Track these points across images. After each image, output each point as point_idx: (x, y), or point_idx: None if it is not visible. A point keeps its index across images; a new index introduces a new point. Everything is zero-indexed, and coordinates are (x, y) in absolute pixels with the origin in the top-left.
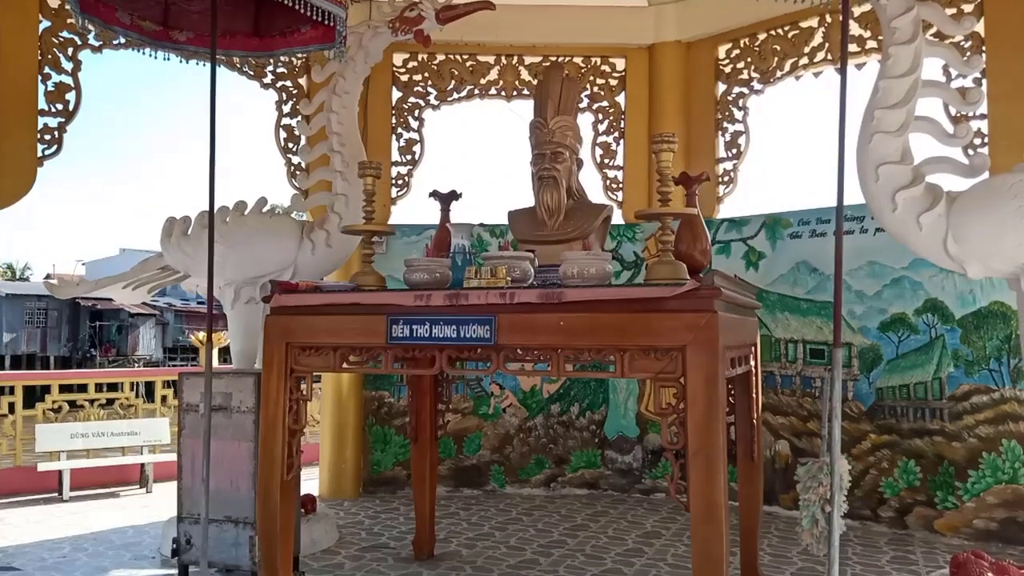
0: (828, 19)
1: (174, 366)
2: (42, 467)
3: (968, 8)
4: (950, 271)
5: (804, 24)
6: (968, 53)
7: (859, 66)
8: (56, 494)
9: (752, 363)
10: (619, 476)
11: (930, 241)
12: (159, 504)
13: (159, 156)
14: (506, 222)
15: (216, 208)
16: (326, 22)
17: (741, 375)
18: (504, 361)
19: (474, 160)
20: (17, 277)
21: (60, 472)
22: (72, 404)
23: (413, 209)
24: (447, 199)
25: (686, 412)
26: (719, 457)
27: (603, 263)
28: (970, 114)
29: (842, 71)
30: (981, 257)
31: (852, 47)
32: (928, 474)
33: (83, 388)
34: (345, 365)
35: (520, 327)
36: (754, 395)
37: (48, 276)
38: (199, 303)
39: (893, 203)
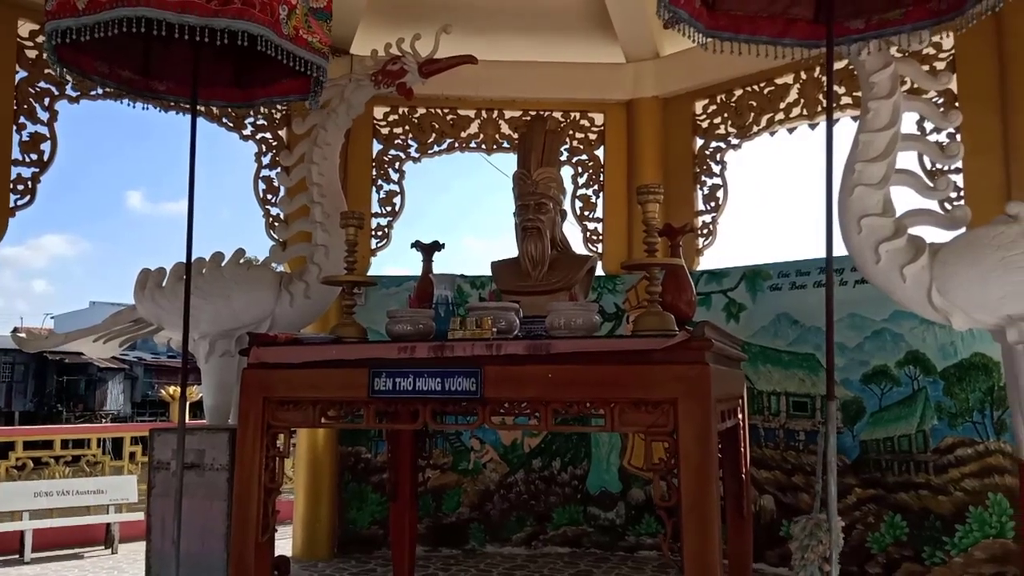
0: (803, 76)
1: (143, 421)
2: (2, 527)
3: (940, 65)
4: (931, 323)
5: (779, 81)
6: (942, 108)
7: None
8: (17, 556)
9: (740, 416)
10: (602, 533)
11: (914, 292)
12: (126, 566)
13: (133, 208)
14: (486, 273)
15: (193, 260)
16: (309, 73)
17: (729, 428)
18: (490, 415)
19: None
20: None
21: (22, 532)
22: (36, 461)
23: (393, 260)
24: (429, 250)
25: (679, 467)
26: (714, 515)
27: (590, 314)
28: (946, 167)
29: (828, 124)
30: (965, 308)
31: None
32: (915, 528)
33: (48, 444)
34: (324, 420)
35: (507, 379)
36: (742, 449)
37: (15, 330)
38: (170, 356)
39: (876, 255)
